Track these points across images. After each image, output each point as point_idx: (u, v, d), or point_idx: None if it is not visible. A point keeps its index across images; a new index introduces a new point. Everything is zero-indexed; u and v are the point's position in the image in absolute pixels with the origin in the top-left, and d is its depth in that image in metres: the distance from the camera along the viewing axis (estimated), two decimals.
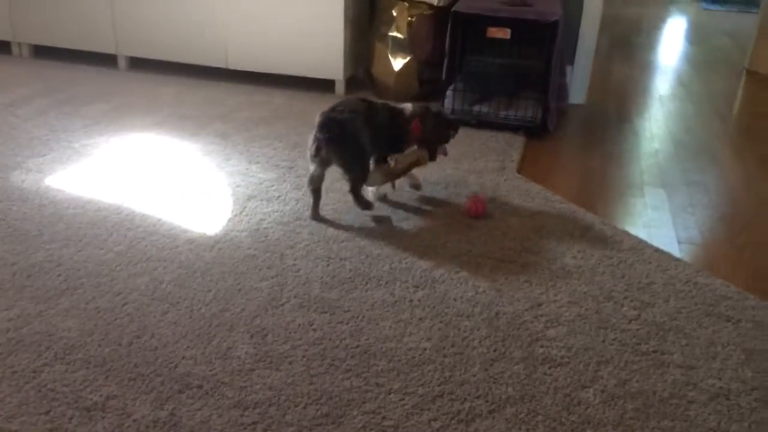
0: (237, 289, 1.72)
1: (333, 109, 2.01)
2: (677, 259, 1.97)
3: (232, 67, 3.36)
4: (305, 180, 2.32)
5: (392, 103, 2.24)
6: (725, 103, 3.66)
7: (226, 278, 1.77)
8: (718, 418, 1.37)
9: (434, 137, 2.23)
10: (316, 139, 1.98)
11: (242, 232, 2.00)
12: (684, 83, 4.01)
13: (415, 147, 2.22)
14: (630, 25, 5.74)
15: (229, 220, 2.06)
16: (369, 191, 2.20)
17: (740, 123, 3.39)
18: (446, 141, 2.28)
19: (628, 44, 5.01)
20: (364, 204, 2.10)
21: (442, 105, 2.99)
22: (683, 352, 1.56)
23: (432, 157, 2.25)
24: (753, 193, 2.49)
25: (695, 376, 1.49)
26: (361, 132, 2.02)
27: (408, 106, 2.22)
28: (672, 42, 5.34)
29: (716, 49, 4.97)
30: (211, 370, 1.44)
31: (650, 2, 7.01)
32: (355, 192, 2.07)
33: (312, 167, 2.04)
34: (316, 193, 2.10)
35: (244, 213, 2.11)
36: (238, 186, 2.29)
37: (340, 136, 1.98)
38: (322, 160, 2.01)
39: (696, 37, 5.51)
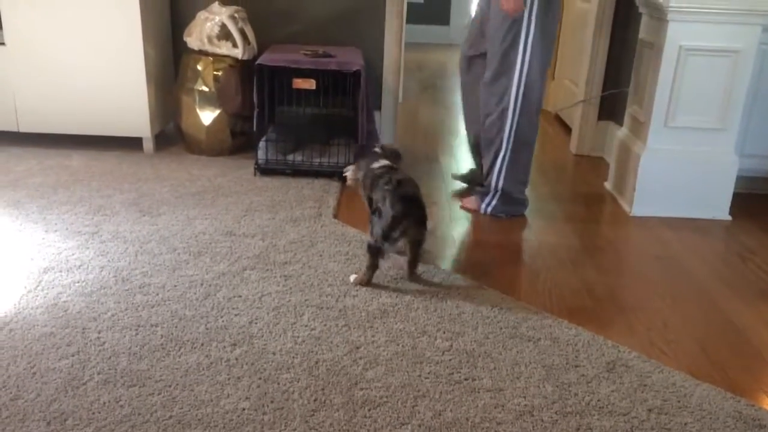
0: (31, 373, 1.56)
1: (399, 186, 2.02)
2: (483, 288, 2.10)
3: (24, 130, 3.10)
4: (110, 245, 2.20)
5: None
6: None
7: (18, 362, 1.60)
8: None
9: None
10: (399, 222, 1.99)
11: (37, 308, 1.83)
12: None
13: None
14: (435, 70, 6.16)
15: (22, 297, 1.88)
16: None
17: None
18: None
19: (434, 87, 5.36)
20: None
21: (256, 156, 2.98)
22: (492, 375, 1.66)
23: None
24: (542, 220, 2.74)
25: (503, 397, 1.58)
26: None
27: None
28: None
29: None
30: None
31: (453, 49, 7.58)
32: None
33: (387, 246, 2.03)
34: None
35: (39, 287, 1.93)
36: (32, 259, 2.10)
37: (422, 215, 2.05)
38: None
39: None
